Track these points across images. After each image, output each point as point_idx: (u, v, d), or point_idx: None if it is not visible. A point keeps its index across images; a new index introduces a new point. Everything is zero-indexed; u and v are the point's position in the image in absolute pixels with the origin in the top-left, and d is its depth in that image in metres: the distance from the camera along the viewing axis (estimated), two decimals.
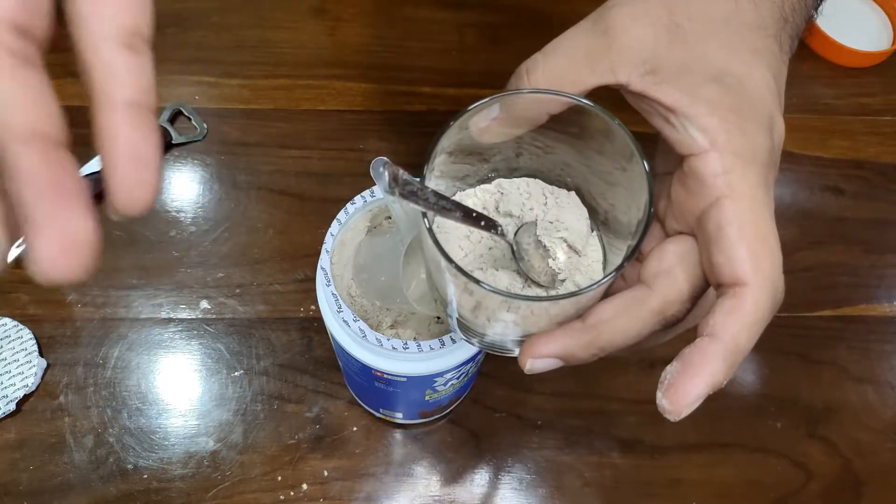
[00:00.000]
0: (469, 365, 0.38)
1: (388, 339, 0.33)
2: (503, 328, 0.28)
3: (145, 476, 0.46)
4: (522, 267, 0.29)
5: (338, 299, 0.34)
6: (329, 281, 0.34)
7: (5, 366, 0.47)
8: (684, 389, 0.24)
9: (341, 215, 0.36)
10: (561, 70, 0.27)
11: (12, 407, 0.47)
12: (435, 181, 0.28)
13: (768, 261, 0.25)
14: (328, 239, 0.35)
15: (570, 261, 0.30)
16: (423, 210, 0.25)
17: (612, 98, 0.28)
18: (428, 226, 0.25)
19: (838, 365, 0.53)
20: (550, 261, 0.29)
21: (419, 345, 0.34)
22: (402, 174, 0.24)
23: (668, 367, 0.25)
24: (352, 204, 0.36)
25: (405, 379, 0.36)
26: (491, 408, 0.49)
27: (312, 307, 0.51)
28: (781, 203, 0.59)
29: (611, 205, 0.30)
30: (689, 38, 0.27)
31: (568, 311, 0.27)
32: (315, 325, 0.51)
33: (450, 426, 0.49)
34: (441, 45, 0.63)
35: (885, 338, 0.54)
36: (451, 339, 0.34)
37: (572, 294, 0.25)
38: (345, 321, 0.33)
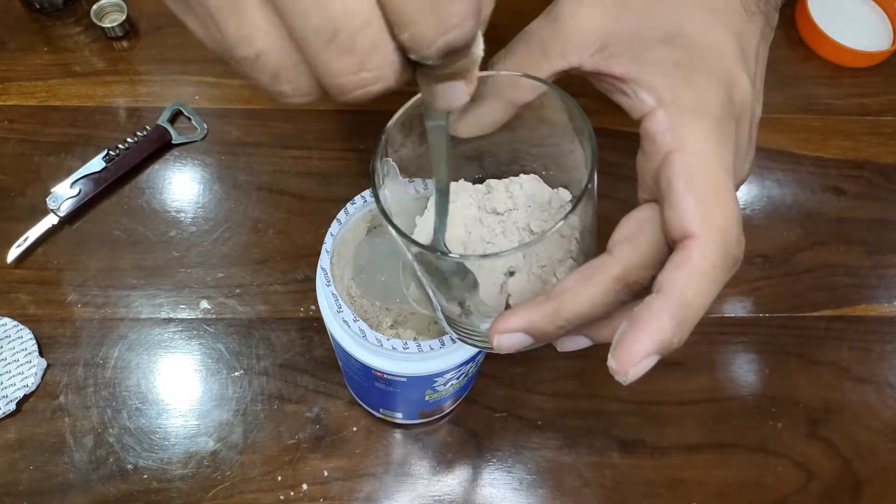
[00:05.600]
0: (469, 365, 0.38)
1: (388, 339, 0.33)
2: (484, 317, 0.28)
3: (145, 476, 0.46)
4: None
5: (338, 299, 0.34)
6: (329, 281, 0.34)
7: (5, 366, 0.47)
8: (631, 348, 0.23)
9: (341, 215, 0.36)
10: (519, 61, 0.29)
11: (12, 407, 0.46)
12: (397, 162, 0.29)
13: (718, 212, 0.24)
14: (328, 239, 0.35)
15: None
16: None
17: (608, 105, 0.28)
18: (388, 216, 0.25)
19: (839, 365, 0.53)
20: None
21: (419, 345, 0.34)
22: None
23: (619, 328, 0.24)
24: (352, 204, 0.36)
25: (405, 379, 0.36)
26: (491, 408, 0.49)
27: (312, 307, 0.51)
28: (782, 204, 0.59)
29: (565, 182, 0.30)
30: (638, 10, 0.27)
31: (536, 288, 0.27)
32: (315, 325, 0.51)
33: (450, 426, 0.49)
34: None
35: (886, 338, 0.54)
36: (451, 340, 0.34)
37: (527, 245, 0.25)
38: (345, 321, 0.33)
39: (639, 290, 0.26)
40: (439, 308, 0.30)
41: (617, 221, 0.28)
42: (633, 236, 0.26)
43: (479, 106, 0.28)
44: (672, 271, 0.24)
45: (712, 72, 0.26)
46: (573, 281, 0.26)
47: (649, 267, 0.26)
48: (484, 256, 0.27)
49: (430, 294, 0.29)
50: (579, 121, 0.26)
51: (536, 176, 0.31)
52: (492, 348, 0.27)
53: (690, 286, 0.23)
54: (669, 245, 0.25)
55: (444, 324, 0.31)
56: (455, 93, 0.21)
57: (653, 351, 0.23)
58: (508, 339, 0.26)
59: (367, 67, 0.18)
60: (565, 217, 0.24)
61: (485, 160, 0.32)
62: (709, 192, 0.24)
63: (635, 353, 0.23)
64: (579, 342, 0.28)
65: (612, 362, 0.24)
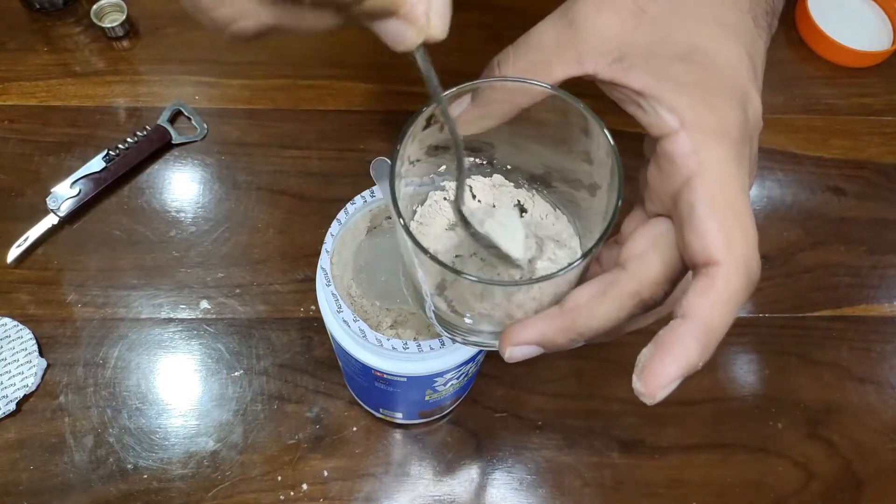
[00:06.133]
0: (469, 365, 0.38)
1: (388, 339, 0.33)
2: (481, 319, 0.28)
3: (145, 476, 0.46)
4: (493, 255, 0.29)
5: (338, 299, 0.34)
6: (329, 281, 0.34)
7: (5, 366, 0.47)
8: (658, 372, 0.24)
9: (341, 215, 0.36)
10: (530, 62, 0.28)
11: (12, 407, 0.47)
12: (408, 167, 0.28)
13: (741, 238, 0.24)
14: (328, 239, 0.35)
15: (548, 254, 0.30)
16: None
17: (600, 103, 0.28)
18: (404, 224, 0.25)
19: (839, 365, 0.53)
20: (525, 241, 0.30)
21: (419, 345, 0.34)
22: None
23: (644, 350, 0.25)
24: (352, 204, 0.36)
25: (405, 379, 0.36)
26: (491, 408, 0.49)
27: (312, 307, 0.51)
28: (783, 204, 0.59)
29: (584, 197, 0.30)
30: (655, 20, 0.27)
31: (542, 300, 0.27)
32: (315, 325, 0.51)
33: (450, 426, 0.49)
34: (441, 44, 0.63)
35: (886, 338, 0.54)
36: (451, 340, 0.34)
37: (544, 278, 0.25)
38: (345, 321, 0.33)
39: (651, 306, 0.26)
40: (432, 309, 0.30)
41: (621, 222, 0.28)
42: (647, 252, 0.26)
43: (480, 106, 0.28)
44: (696, 297, 0.24)
45: (730, 92, 0.26)
46: (588, 295, 0.26)
47: (663, 283, 0.26)
48: (503, 283, 0.28)
49: (425, 295, 0.29)
50: (603, 143, 0.26)
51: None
52: (493, 347, 0.27)
53: (716, 312, 0.24)
54: (689, 266, 0.26)
55: (438, 326, 0.31)
56: (394, 35, 0.23)
57: (680, 375, 0.24)
58: (521, 350, 0.27)
59: (225, 4, 0.22)
60: (587, 254, 0.25)
61: (494, 164, 0.32)
62: (731, 218, 0.24)
63: (663, 376, 0.24)
64: (575, 345, 0.28)
65: (638, 385, 0.24)
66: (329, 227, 0.36)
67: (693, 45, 0.27)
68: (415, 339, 0.34)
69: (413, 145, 0.28)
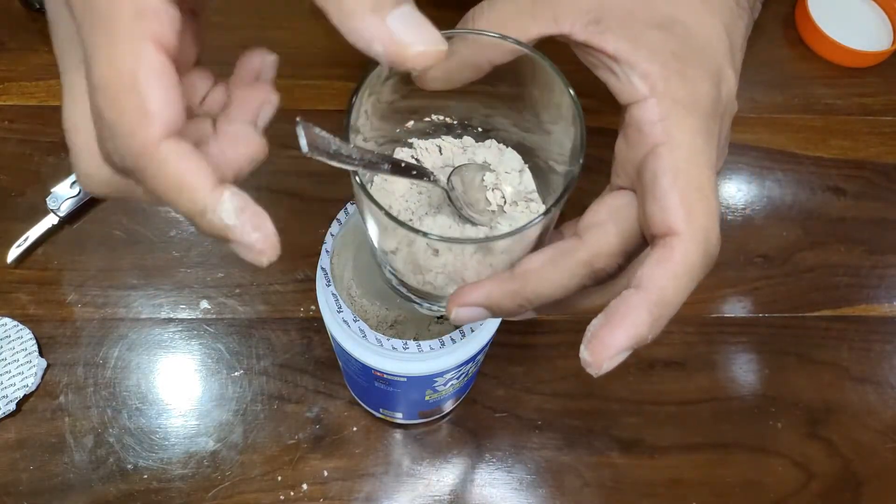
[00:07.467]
0: (469, 365, 0.38)
1: (388, 339, 0.33)
2: (435, 281, 0.28)
3: (145, 476, 0.46)
4: (463, 212, 0.28)
5: (338, 299, 0.34)
6: (329, 281, 0.34)
7: (5, 366, 0.47)
8: (606, 342, 0.23)
9: (341, 215, 0.36)
10: (505, 17, 0.27)
11: (12, 407, 0.47)
12: (364, 121, 0.28)
13: (702, 211, 0.24)
14: (328, 239, 0.35)
15: (511, 212, 0.30)
16: (349, 168, 0.24)
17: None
18: (360, 182, 0.24)
19: (839, 365, 0.53)
20: (490, 194, 0.29)
21: (419, 345, 0.34)
22: (320, 133, 0.23)
23: (594, 320, 0.24)
24: (352, 204, 0.36)
25: (405, 379, 0.36)
26: (491, 408, 0.49)
27: (312, 307, 0.51)
28: (783, 203, 0.59)
29: (549, 160, 0.30)
30: None
31: (497, 266, 0.27)
32: (315, 325, 0.51)
33: (450, 426, 0.49)
34: None
35: (886, 338, 0.54)
36: (451, 339, 0.34)
37: (500, 237, 0.25)
38: (345, 321, 0.33)
39: (603, 278, 0.26)
40: (389, 271, 0.29)
41: (582, 187, 0.27)
42: (605, 223, 0.26)
43: (452, 60, 0.27)
44: (652, 268, 0.24)
45: (705, 66, 0.26)
46: (540, 261, 0.25)
47: (618, 255, 0.25)
48: (451, 240, 0.27)
49: (379, 255, 0.29)
50: (567, 102, 0.26)
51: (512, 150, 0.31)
52: (441, 312, 0.27)
53: (670, 284, 0.23)
54: (647, 238, 0.25)
55: (396, 287, 0.30)
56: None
57: (628, 346, 0.23)
58: (467, 312, 0.26)
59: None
60: (544, 214, 0.24)
61: (460, 123, 0.32)
62: (693, 189, 0.24)
63: (611, 347, 0.23)
64: (524, 315, 0.28)
65: (585, 354, 0.24)
66: (329, 227, 0.36)
67: (672, 15, 0.26)
68: (415, 339, 0.34)
69: (370, 100, 0.27)
